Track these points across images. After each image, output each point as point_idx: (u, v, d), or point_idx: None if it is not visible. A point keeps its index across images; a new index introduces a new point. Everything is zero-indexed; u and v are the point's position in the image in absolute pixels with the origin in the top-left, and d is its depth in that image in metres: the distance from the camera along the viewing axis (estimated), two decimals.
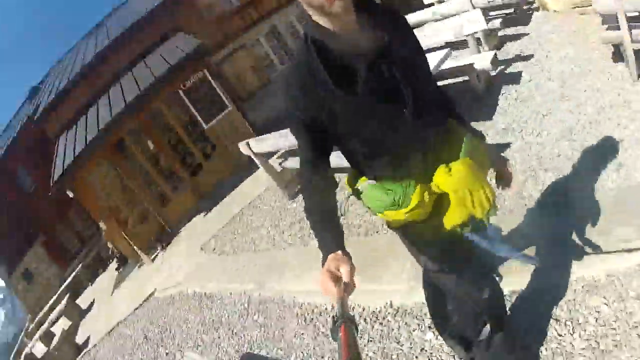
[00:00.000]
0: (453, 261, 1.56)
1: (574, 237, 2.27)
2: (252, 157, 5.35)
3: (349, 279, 0.97)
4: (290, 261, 4.06)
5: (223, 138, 9.01)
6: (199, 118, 8.95)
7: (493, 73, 4.85)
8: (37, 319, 13.45)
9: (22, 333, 15.03)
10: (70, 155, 8.61)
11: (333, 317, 0.80)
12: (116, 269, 10.97)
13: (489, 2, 6.33)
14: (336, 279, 0.98)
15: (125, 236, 9.07)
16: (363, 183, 1.40)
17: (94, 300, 10.90)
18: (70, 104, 10.37)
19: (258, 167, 5.75)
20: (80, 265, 13.97)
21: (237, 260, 5.15)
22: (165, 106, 9.16)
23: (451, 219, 1.39)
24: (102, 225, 9.51)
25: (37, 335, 10.62)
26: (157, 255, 8.48)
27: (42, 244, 16.08)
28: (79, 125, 9.62)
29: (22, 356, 10.41)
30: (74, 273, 13.75)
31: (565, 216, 2.47)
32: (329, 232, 1.15)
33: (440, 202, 1.38)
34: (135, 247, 9.02)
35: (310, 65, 1.16)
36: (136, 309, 6.90)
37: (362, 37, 1.18)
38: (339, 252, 1.06)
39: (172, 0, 11.31)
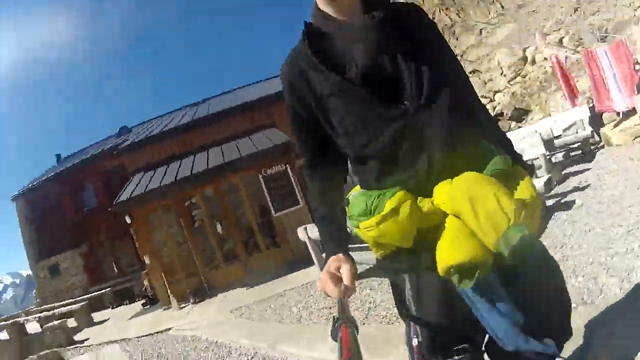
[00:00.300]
0: (449, 337, 1.12)
1: (597, 338, 2.16)
2: (307, 242, 5.62)
3: (349, 281, 0.95)
4: (307, 334, 4.14)
5: (287, 229, 9.36)
6: (271, 205, 9.56)
7: (549, 202, 4.98)
8: (45, 306, 13.90)
9: (22, 310, 15.40)
10: (141, 189, 9.57)
11: (333, 317, 0.80)
12: (142, 305, 11.34)
13: (555, 136, 6.66)
14: (336, 280, 0.97)
15: (165, 279, 9.47)
16: (353, 192, 1.21)
17: (108, 318, 11.30)
18: (156, 150, 11.64)
19: (314, 264, 5.99)
20: (109, 288, 14.51)
21: (260, 326, 5.26)
22: (242, 186, 9.99)
23: (447, 255, 0.98)
24: (146, 260, 10.00)
25: (36, 315, 11.01)
26: (187, 306, 8.71)
27: (82, 254, 17.09)
28: (158, 171, 10.68)
29: (9, 322, 10.74)
30: (102, 291, 14.40)
31: (587, 317, 2.36)
32: (331, 235, 1.13)
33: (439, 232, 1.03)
34: (169, 292, 9.37)
35: (304, 50, 1.11)
36: (145, 335, 7.17)
37: (364, 22, 1.08)
38: (340, 254, 1.05)
39: (270, 99, 12.38)
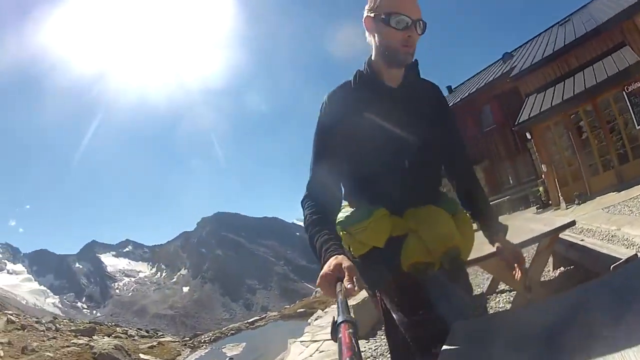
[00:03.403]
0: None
1: None
2: None
3: (350, 282, 1.04)
4: None
5: None
6: (634, 118, 11.24)
7: None
8: None
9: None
10: (536, 109, 12.90)
11: (333, 318, 0.82)
12: (537, 208, 14.53)
13: None
14: (337, 280, 1.08)
15: (557, 185, 12.65)
16: (346, 208, 1.64)
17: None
18: (540, 74, 14.64)
19: None
20: (507, 197, 18.45)
21: (616, 217, 7.26)
22: (612, 102, 11.82)
23: (410, 256, 1.48)
24: (543, 168, 13.31)
25: None
26: (571, 206, 11.46)
27: (484, 169, 21.14)
28: (547, 92, 13.68)
29: None
30: (500, 199, 18.33)
31: None
32: (330, 237, 1.30)
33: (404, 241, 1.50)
34: (560, 195, 12.51)
35: (351, 92, 1.55)
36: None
37: (399, 92, 1.57)
38: (341, 255, 1.18)
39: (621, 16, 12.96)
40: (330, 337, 0.83)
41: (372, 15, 1.50)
